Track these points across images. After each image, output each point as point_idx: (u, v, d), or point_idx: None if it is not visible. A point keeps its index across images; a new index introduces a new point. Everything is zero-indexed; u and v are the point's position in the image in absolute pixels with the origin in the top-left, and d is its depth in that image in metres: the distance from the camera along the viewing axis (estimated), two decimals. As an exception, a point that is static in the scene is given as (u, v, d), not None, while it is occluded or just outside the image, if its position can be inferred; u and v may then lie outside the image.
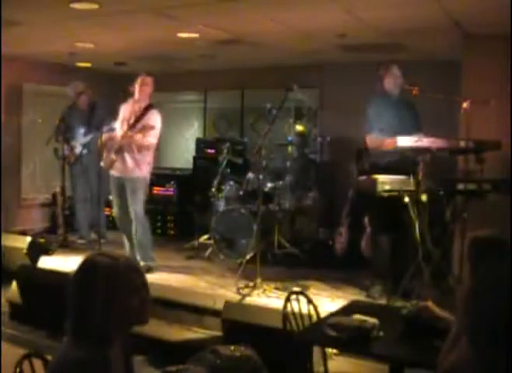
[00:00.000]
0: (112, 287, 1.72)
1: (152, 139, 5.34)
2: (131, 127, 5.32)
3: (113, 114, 5.63)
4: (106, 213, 6.98)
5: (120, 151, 5.32)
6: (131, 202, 5.36)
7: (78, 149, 6.52)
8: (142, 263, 5.27)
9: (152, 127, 5.28)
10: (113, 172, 5.43)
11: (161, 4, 4.38)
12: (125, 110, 5.49)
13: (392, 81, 4.78)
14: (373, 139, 4.69)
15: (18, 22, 4.99)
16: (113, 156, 5.35)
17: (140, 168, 5.34)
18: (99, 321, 1.71)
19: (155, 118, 5.37)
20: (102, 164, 5.48)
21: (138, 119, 5.33)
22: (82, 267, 1.78)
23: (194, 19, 4.86)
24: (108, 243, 6.27)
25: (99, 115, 6.44)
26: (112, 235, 6.51)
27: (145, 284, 1.82)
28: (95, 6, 4.39)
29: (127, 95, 5.49)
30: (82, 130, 6.54)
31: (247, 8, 4.45)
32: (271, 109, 5.47)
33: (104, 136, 5.49)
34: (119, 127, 5.46)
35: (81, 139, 6.55)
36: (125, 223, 5.45)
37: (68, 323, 1.75)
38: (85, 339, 1.71)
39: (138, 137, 5.26)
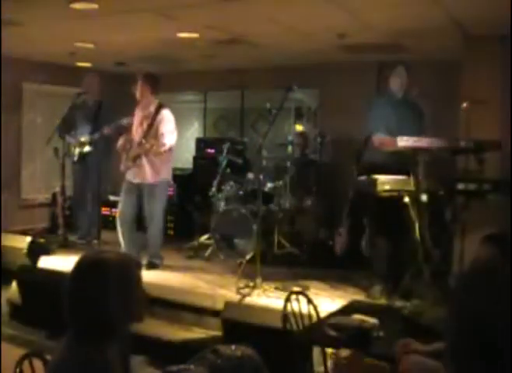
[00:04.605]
0: (110, 285, 1.72)
1: (170, 142, 5.31)
2: (146, 133, 5.31)
3: (118, 114, 5.60)
4: (106, 212, 6.96)
5: (137, 158, 5.33)
6: (149, 205, 5.39)
7: (86, 148, 6.33)
8: (147, 260, 5.41)
9: (162, 135, 5.27)
10: (131, 178, 5.42)
11: (161, 4, 4.38)
12: (137, 115, 5.48)
13: (397, 82, 4.72)
14: (380, 139, 4.63)
15: (18, 22, 4.98)
16: (130, 163, 5.36)
17: (159, 173, 5.37)
18: (98, 319, 1.71)
19: (166, 120, 5.35)
20: (121, 167, 5.47)
21: (151, 124, 5.33)
22: (79, 266, 1.78)
23: (194, 19, 4.86)
24: (105, 243, 6.26)
25: (105, 114, 6.36)
26: (110, 235, 6.50)
27: (140, 280, 1.82)
28: (95, 6, 4.38)
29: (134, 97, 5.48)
30: (87, 128, 6.37)
31: (247, 8, 4.45)
32: (271, 109, 5.47)
33: (121, 139, 5.48)
34: (134, 133, 5.46)
35: (86, 137, 6.41)
36: (129, 224, 5.47)
37: (66, 323, 1.74)
38: (83, 339, 1.71)
39: (155, 147, 5.22)
